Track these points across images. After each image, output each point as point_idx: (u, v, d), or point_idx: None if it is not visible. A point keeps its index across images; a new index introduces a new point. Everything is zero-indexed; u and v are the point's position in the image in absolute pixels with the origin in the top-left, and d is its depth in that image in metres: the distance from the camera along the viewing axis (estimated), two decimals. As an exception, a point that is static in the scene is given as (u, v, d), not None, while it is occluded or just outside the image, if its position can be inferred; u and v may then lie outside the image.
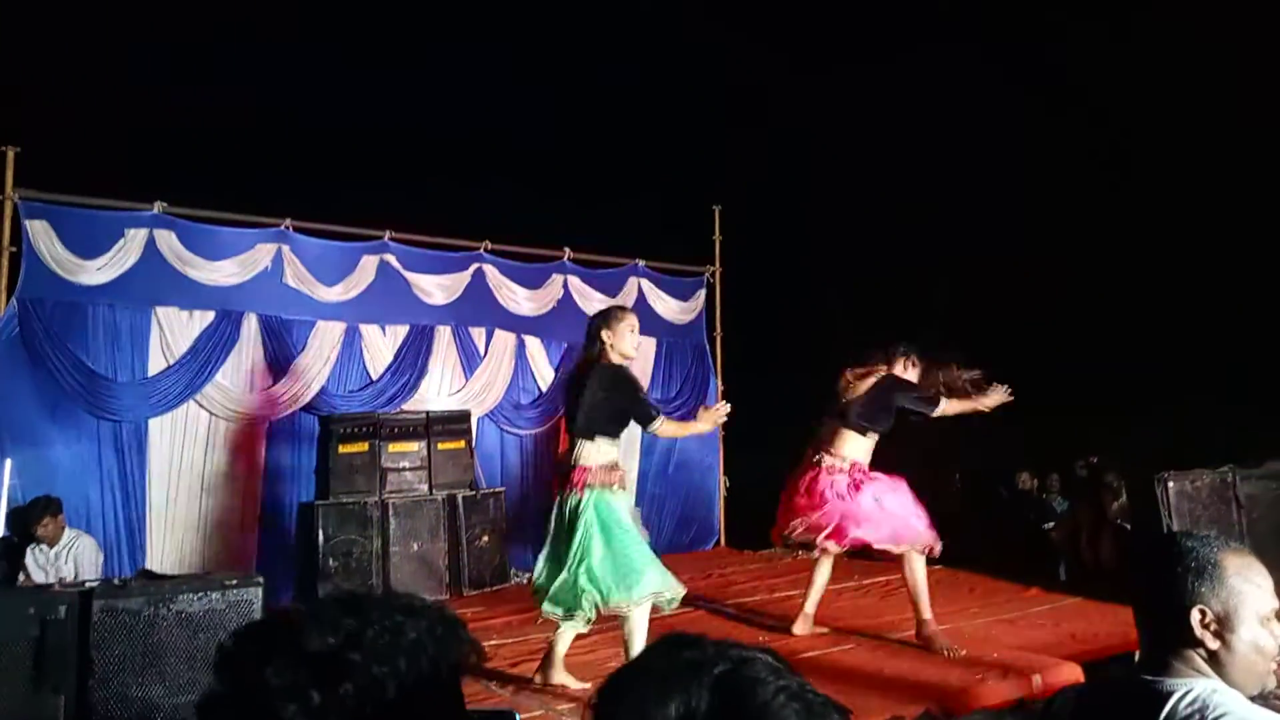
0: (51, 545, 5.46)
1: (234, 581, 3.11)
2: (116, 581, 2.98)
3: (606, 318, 4.01)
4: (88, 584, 3.09)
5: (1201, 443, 5.71)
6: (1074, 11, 6.94)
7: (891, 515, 4.60)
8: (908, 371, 4.82)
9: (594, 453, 3.90)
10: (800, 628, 4.91)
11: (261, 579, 3.19)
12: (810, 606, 4.95)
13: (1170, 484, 5.06)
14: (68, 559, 5.46)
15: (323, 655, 0.87)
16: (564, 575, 3.80)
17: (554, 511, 4.00)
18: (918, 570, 4.59)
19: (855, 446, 4.71)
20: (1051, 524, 7.30)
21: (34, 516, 5.38)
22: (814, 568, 4.98)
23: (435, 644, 0.94)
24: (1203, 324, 6.59)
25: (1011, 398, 4.70)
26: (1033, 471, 8.08)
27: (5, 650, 2.70)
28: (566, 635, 4.06)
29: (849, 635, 4.90)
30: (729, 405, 4.23)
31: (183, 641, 2.91)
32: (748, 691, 0.78)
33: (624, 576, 3.77)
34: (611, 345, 3.90)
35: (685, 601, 4.43)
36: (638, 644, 3.84)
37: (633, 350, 4.01)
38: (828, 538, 4.59)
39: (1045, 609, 5.36)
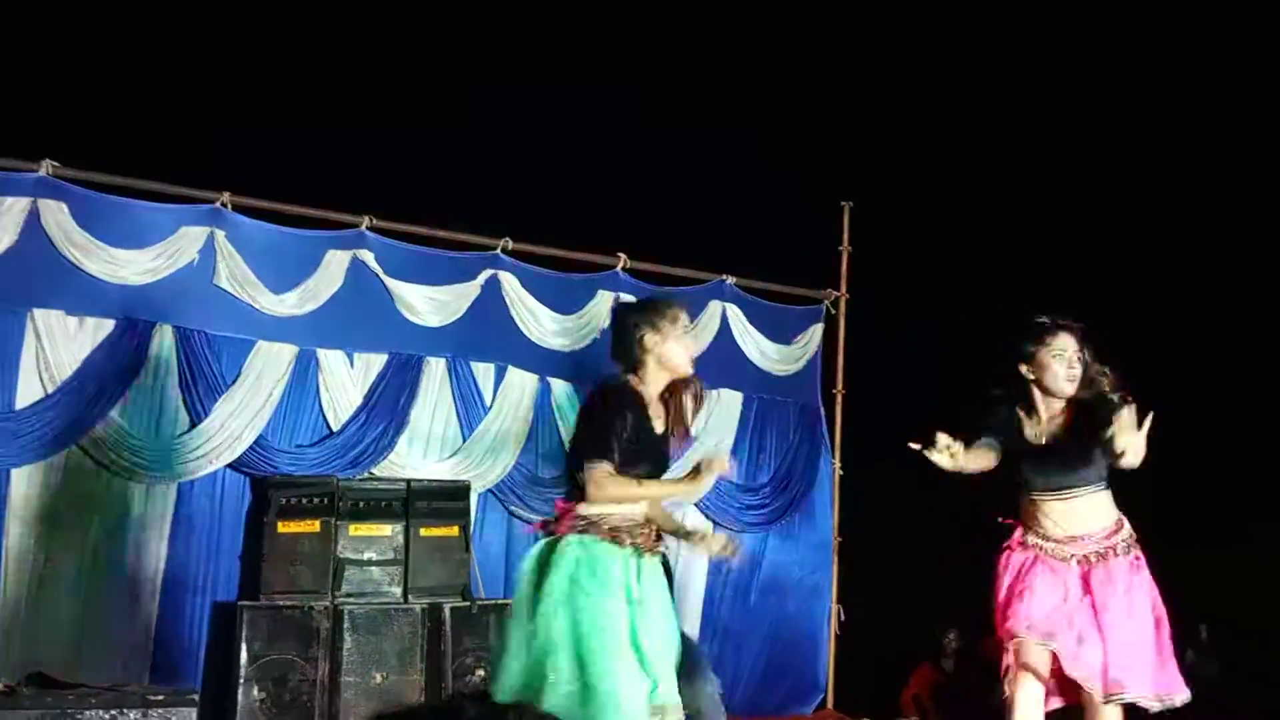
0: None
1: (160, 697, 3.26)
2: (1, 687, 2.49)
3: (645, 312, 3.28)
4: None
5: None
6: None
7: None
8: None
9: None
10: None
11: (196, 696, 3.15)
12: None
13: None
14: None
15: None
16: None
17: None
18: None
19: (1106, 509, 3.56)
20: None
21: None
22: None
23: None
24: None
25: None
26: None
27: None
28: None
29: None
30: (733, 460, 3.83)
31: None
32: None
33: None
34: (655, 355, 3.18)
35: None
36: None
37: (685, 362, 3.24)
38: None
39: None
